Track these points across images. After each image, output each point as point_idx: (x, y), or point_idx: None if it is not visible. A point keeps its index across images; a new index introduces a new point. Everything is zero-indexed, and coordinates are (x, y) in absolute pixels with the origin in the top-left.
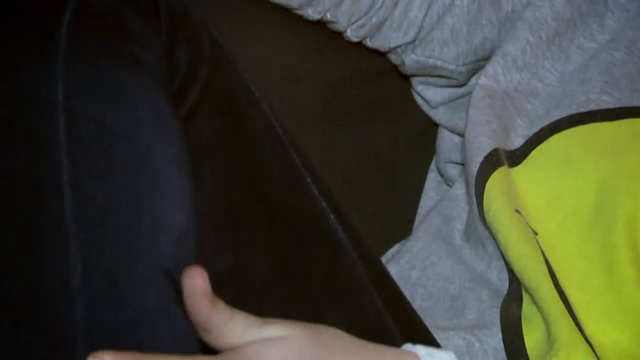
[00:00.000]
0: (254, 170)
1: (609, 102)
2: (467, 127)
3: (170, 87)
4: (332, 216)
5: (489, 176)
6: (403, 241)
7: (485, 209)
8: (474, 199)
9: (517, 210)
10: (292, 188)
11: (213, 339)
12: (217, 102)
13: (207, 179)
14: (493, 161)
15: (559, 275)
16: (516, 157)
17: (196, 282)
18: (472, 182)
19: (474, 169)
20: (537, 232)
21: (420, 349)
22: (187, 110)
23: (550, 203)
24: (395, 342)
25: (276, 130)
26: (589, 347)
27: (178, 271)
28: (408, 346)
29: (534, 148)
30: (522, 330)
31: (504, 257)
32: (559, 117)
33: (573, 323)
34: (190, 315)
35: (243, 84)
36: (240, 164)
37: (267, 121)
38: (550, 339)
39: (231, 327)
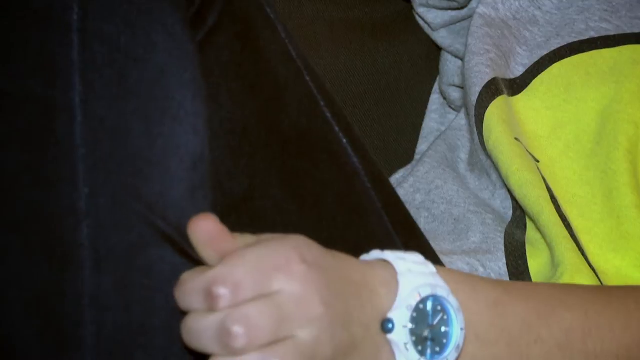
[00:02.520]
0: (269, 94)
1: (608, 29)
2: (466, 56)
3: (189, 9)
4: (344, 140)
5: (488, 105)
6: (408, 167)
7: (485, 137)
8: (475, 128)
9: (516, 139)
10: (306, 112)
11: None
12: (235, 24)
13: (224, 103)
14: (492, 90)
15: (560, 202)
16: (517, 86)
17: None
18: (472, 111)
19: (473, 98)
20: (539, 159)
21: (389, 255)
22: (205, 33)
23: (552, 131)
24: None
25: (291, 54)
26: (592, 272)
27: (193, 198)
28: (376, 253)
29: (534, 77)
30: (526, 255)
31: (506, 185)
32: (559, 45)
33: (576, 247)
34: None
35: (260, 6)
36: (256, 88)
37: (283, 44)
38: (554, 264)
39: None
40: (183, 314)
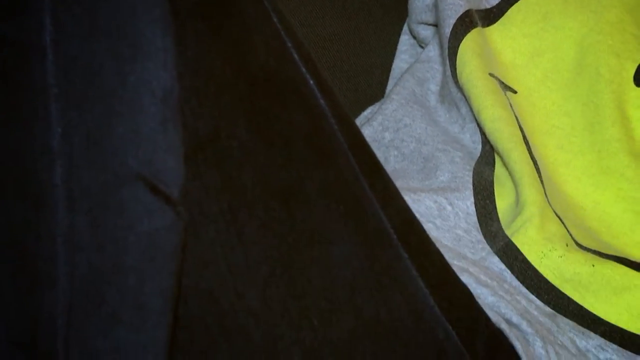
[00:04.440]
0: (236, 35)
1: None
2: None
3: None
4: (311, 82)
5: (462, 38)
6: (376, 104)
7: (458, 70)
8: (447, 61)
9: (491, 74)
10: (274, 54)
11: None
12: None
13: (190, 44)
14: (466, 23)
15: (537, 135)
16: (493, 15)
17: None
18: (446, 43)
19: (447, 30)
20: (517, 90)
21: None
22: None
23: (529, 60)
24: (370, 205)
25: None
26: (557, 217)
27: (164, 131)
28: None
29: (511, 5)
30: (494, 194)
31: (477, 120)
32: None
33: (543, 190)
34: None
35: None
36: (223, 29)
37: None
38: (520, 203)
39: None
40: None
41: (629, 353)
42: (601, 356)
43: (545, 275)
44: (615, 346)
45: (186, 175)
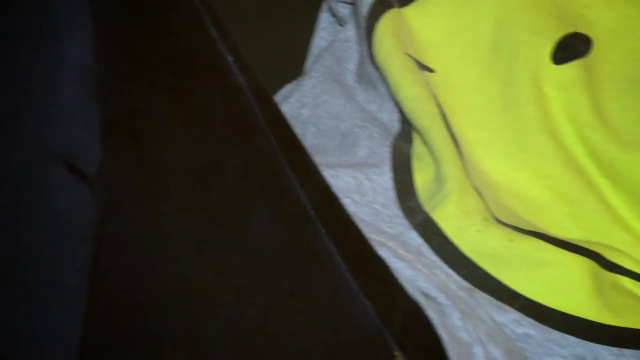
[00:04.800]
0: (156, 13)
1: None
2: None
3: None
4: (230, 59)
5: (379, 17)
6: (295, 81)
7: (375, 50)
8: (364, 40)
9: (408, 54)
10: (192, 31)
11: None
12: None
13: (109, 22)
14: (383, 2)
15: (455, 113)
16: None
17: None
18: (363, 23)
19: (364, 10)
20: (434, 69)
21: None
22: None
23: (447, 38)
24: (288, 182)
25: None
26: (476, 192)
27: (80, 108)
28: None
29: None
30: (412, 169)
31: (394, 99)
32: None
33: (462, 166)
34: None
35: None
36: (142, 8)
37: None
38: (439, 179)
39: None
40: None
41: (546, 328)
42: (518, 330)
43: (463, 250)
44: (532, 320)
45: (103, 153)
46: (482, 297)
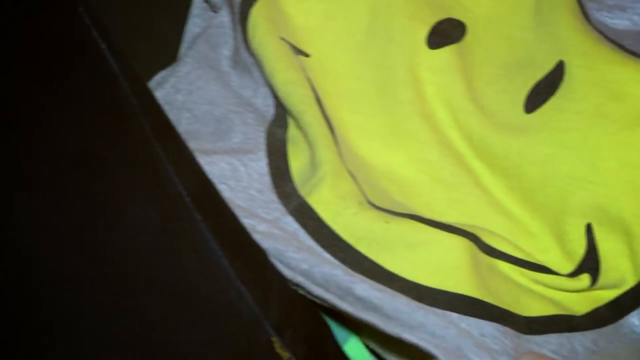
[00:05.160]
0: (29, 3)
1: None
2: None
3: None
4: (103, 46)
5: (254, 2)
6: (169, 67)
7: (249, 35)
8: (239, 26)
9: (282, 38)
10: (64, 17)
11: None
12: None
13: None
14: None
15: (330, 97)
16: None
17: None
18: (237, 8)
19: None
20: (309, 53)
21: None
22: None
23: (321, 23)
24: (163, 169)
25: None
26: (350, 176)
27: None
28: None
29: None
30: (287, 154)
31: (269, 84)
32: None
33: (337, 150)
34: None
35: None
36: None
37: None
38: (314, 164)
39: None
40: None
41: (427, 306)
42: None
43: (339, 234)
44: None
45: None
46: (361, 279)
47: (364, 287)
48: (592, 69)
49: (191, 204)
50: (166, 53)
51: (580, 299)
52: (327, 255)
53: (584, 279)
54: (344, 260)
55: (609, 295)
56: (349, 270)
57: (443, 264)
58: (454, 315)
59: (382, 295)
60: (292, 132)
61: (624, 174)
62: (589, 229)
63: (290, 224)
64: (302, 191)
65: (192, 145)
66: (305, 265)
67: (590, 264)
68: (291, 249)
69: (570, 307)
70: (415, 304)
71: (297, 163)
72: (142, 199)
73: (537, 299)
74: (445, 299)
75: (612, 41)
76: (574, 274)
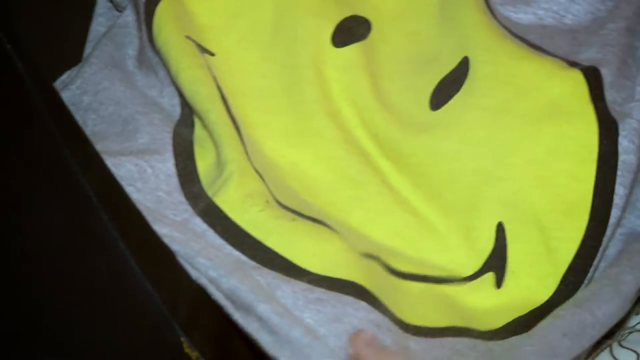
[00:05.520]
0: None
1: None
2: None
3: None
4: (8, 45)
5: (158, 2)
6: (75, 68)
7: (154, 34)
8: (144, 25)
9: (188, 37)
10: None
11: None
12: None
13: None
14: None
15: (236, 96)
16: None
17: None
18: (142, 7)
19: None
20: (214, 52)
21: None
22: None
23: (227, 22)
24: (70, 169)
25: None
26: (257, 174)
27: None
28: None
29: None
30: (194, 155)
31: (175, 83)
32: None
33: (243, 149)
34: None
35: None
36: None
37: None
38: (220, 163)
39: None
40: None
41: (338, 294)
42: (310, 296)
43: (248, 231)
44: (322, 289)
45: None
46: (270, 274)
47: (266, 308)
48: (497, 64)
49: (98, 205)
50: (71, 53)
51: (495, 311)
52: (237, 253)
53: (488, 279)
54: (253, 257)
55: (528, 305)
56: (256, 289)
57: (344, 258)
58: (363, 303)
59: (281, 321)
60: (199, 131)
61: (531, 169)
62: (500, 228)
63: (199, 224)
64: (210, 191)
65: (99, 146)
66: (213, 273)
67: (496, 262)
68: (201, 255)
69: (478, 320)
70: (309, 337)
71: (203, 163)
72: (49, 199)
73: (438, 311)
74: (354, 289)
75: (517, 36)
76: (478, 273)
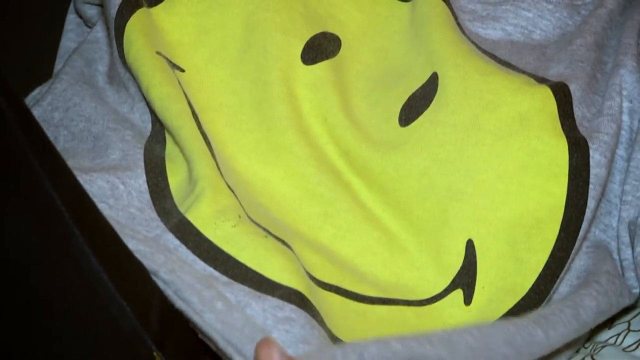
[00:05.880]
0: None
1: None
2: None
3: None
4: None
5: (129, 18)
6: (45, 84)
7: (125, 50)
8: (114, 41)
9: (158, 52)
10: None
11: None
12: None
13: None
14: (131, 2)
15: (206, 112)
16: None
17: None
18: (112, 23)
19: (113, 11)
20: (185, 68)
21: None
22: None
23: (196, 38)
24: (43, 187)
25: None
26: (229, 190)
27: None
28: None
29: None
30: (166, 171)
31: (146, 99)
32: None
33: (215, 164)
34: None
35: None
36: None
37: None
38: (192, 179)
39: None
40: None
41: (305, 312)
42: (279, 314)
43: (220, 246)
44: (293, 306)
45: None
46: (241, 290)
47: (210, 317)
48: (466, 80)
49: (69, 219)
50: (40, 69)
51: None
52: (209, 269)
53: (456, 296)
54: (225, 273)
55: (495, 314)
56: (207, 296)
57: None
58: None
59: (223, 327)
60: (170, 148)
61: (501, 184)
62: (470, 244)
63: (171, 240)
64: (182, 207)
65: (71, 163)
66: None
67: (465, 279)
68: (165, 268)
69: None
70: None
71: (175, 179)
72: (20, 212)
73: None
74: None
75: (486, 52)
76: (446, 291)
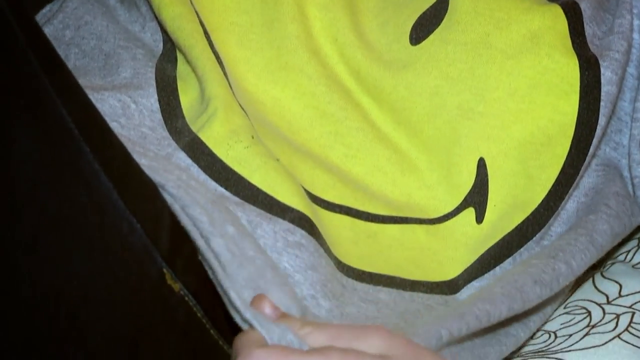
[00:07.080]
0: None
1: None
2: None
3: None
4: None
5: None
6: (56, 2)
7: None
8: None
9: None
10: None
11: None
12: None
13: None
14: None
15: (218, 32)
16: None
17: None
18: None
19: None
20: None
21: None
22: None
23: None
24: (52, 105)
25: None
26: (242, 110)
27: None
28: None
29: None
30: (177, 90)
31: (157, 18)
32: None
33: (227, 84)
34: None
35: None
36: None
37: None
38: (204, 98)
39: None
40: None
41: (314, 239)
42: (290, 238)
43: (232, 167)
44: (303, 232)
45: None
46: (253, 211)
47: (219, 242)
48: None
49: (79, 136)
50: None
51: (474, 245)
52: (221, 189)
53: (468, 214)
54: (237, 194)
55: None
56: (215, 221)
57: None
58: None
59: (232, 258)
60: (181, 67)
61: (512, 102)
62: (481, 163)
63: (183, 159)
64: (194, 127)
65: (82, 81)
66: (179, 203)
67: (476, 197)
68: (170, 184)
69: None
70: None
71: (187, 98)
72: (29, 131)
73: (413, 263)
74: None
75: None
76: (458, 209)
